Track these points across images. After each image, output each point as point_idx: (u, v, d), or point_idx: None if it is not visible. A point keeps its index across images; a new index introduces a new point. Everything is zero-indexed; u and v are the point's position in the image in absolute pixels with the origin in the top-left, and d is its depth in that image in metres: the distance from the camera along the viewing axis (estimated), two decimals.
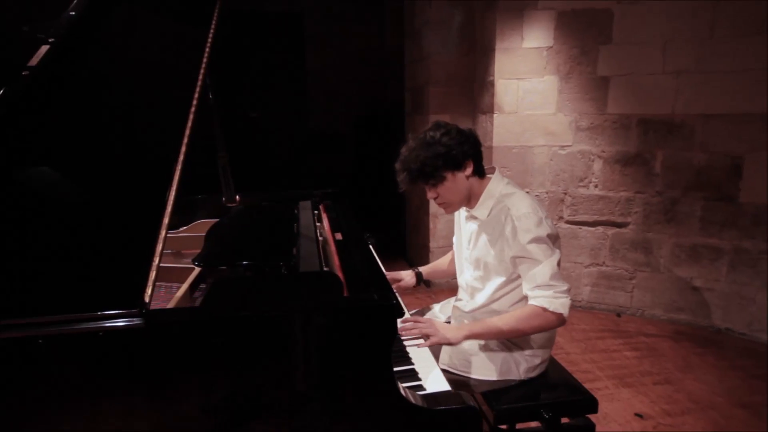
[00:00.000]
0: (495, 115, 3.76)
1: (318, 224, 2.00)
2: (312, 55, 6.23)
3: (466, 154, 1.59)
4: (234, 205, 2.26)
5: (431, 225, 4.32)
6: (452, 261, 2.05)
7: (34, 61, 1.29)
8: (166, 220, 1.04)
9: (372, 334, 1.01)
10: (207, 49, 1.55)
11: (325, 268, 1.45)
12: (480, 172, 1.66)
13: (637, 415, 2.47)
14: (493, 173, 1.70)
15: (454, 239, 2.00)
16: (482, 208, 1.67)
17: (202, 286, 1.48)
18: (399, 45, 5.44)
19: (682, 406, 2.57)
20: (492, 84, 3.72)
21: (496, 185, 1.67)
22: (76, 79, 1.42)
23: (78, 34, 1.46)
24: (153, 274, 0.95)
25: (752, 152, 3.21)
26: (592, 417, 1.71)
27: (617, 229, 3.67)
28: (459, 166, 1.59)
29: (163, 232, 1.02)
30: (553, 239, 1.60)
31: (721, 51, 3.22)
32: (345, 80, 6.34)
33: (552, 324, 1.57)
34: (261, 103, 6.12)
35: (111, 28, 1.69)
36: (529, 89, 3.70)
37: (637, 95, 3.49)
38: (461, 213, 1.85)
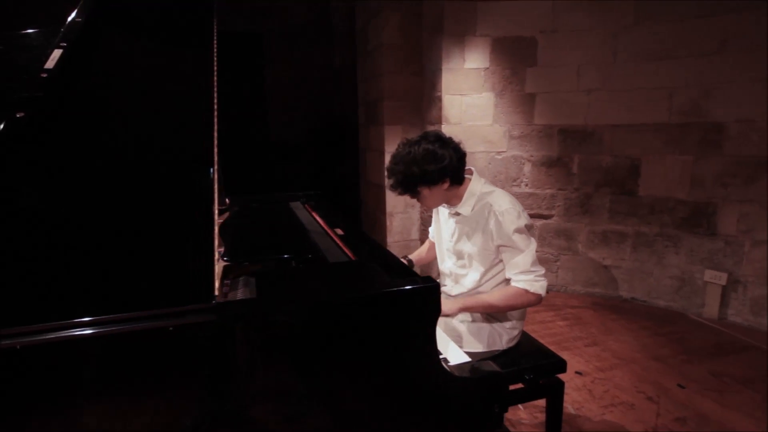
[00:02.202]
0: (443, 126, 3.80)
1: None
2: (271, 73, 6.02)
3: (444, 174, 1.55)
4: (224, 207, 2.12)
5: (387, 222, 4.30)
6: (431, 249, 2.05)
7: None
8: (216, 218, 0.94)
9: (424, 311, 0.97)
10: (215, 68, 1.40)
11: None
12: (459, 181, 1.63)
13: (577, 372, 2.59)
14: (471, 174, 1.71)
15: (431, 231, 1.99)
16: (466, 206, 1.67)
17: (227, 281, 1.37)
18: (349, 64, 5.39)
19: (610, 362, 2.73)
20: (440, 99, 3.76)
21: (476, 185, 1.68)
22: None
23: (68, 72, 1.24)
24: (217, 268, 0.85)
25: (647, 155, 3.47)
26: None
27: (544, 221, 3.84)
28: (432, 183, 1.56)
29: (216, 229, 0.92)
30: (529, 228, 1.64)
31: (622, 73, 3.45)
32: (300, 95, 6.19)
33: (532, 302, 1.61)
34: (224, 116, 5.80)
35: (102, 63, 1.40)
36: (471, 104, 3.78)
37: (558, 109, 3.66)
38: (441, 211, 1.84)
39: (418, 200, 1.64)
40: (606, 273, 3.71)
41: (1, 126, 0.96)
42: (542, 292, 1.58)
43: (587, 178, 3.67)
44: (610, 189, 3.62)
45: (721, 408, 2.26)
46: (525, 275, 1.57)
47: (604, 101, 3.52)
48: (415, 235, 4.39)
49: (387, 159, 4.22)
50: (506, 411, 1.12)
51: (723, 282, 3.22)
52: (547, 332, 3.08)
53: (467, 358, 1.25)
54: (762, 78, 2.95)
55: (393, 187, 1.61)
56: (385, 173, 1.64)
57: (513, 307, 1.63)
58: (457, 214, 1.70)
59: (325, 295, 0.94)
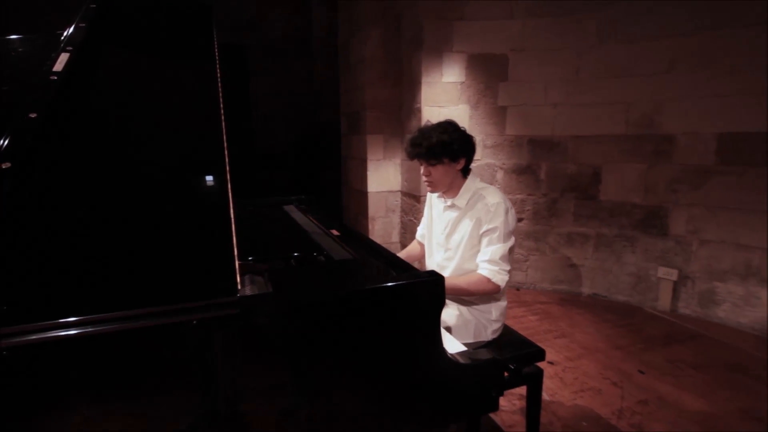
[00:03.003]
0: None
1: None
2: (255, 85, 5.96)
3: (463, 153, 1.66)
4: None
5: (370, 226, 4.32)
6: (418, 249, 2.07)
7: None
8: (232, 215, 0.93)
9: (432, 300, 0.99)
10: (218, 78, 1.38)
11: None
12: (466, 172, 1.73)
13: (549, 362, 2.66)
14: (469, 174, 1.77)
15: (420, 230, 2.04)
16: (462, 199, 1.73)
17: None
18: (330, 77, 5.40)
19: (577, 352, 2.82)
20: (419, 110, 3.81)
21: (472, 182, 1.74)
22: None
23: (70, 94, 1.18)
24: (237, 264, 0.84)
25: (607, 163, 3.62)
26: None
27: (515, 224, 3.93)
28: (455, 159, 1.65)
29: (233, 227, 0.91)
30: (512, 228, 1.69)
31: (584, 89, 3.59)
32: (283, 106, 6.15)
33: (490, 291, 1.67)
34: None
35: (106, 81, 1.32)
36: (448, 115, 3.78)
37: (527, 121, 3.77)
38: (435, 208, 1.88)
39: (431, 174, 1.68)
40: (571, 271, 3.83)
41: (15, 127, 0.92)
42: (502, 284, 1.66)
43: (554, 185, 3.79)
44: (574, 194, 3.75)
45: (677, 390, 2.37)
46: (491, 265, 1.63)
47: (569, 114, 3.66)
48: (395, 238, 4.42)
49: (369, 167, 4.26)
50: (502, 395, 1.15)
51: (674, 278, 3.38)
52: (521, 326, 3.15)
53: (463, 347, 1.27)
54: (707, 95, 3.13)
55: (415, 153, 1.65)
56: (407, 143, 1.69)
57: (474, 292, 1.68)
58: (453, 206, 1.75)
59: (344, 287, 0.95)
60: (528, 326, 3.18)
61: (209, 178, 1.05)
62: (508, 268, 1.66)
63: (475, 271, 1.73)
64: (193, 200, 1.00)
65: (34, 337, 0.67)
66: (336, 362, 0.92)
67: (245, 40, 5.75)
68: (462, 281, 1.65)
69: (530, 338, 1.88)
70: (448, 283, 1.62)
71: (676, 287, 3.39)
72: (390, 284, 0.94)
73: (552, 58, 3.62)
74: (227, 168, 1.04)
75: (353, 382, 0.94)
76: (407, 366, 0.98)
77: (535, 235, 3.89)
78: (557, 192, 3.78)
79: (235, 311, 0.79)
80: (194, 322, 0.77)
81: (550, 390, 2.38)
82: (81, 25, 1.44)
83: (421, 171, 1.72)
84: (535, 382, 1.75)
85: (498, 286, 1.64)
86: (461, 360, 1.06)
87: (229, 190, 0.99)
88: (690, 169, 3.28)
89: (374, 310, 0.94)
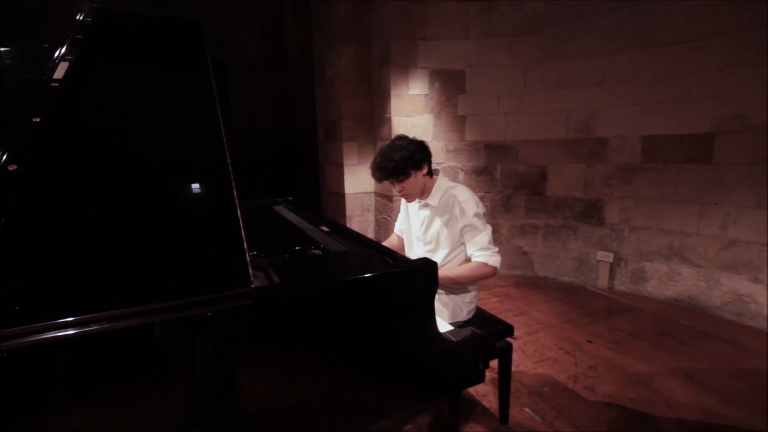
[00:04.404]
0: None
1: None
2: (234, 97, 5.76)
3: (424, 159, 1.65)
4: None
5: (348, 224, 4.26)
6: (397, 241, 2.06)
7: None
8: (238, 212, 0.88)
9: (429, 283, 0.97)
10: (215, 92, 1.30)
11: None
12: (431, 173, 1.72)
13: (512, 338, 2.71)
14: (437, 174, 1.76)
15: (398, 225, 2.02)
16: (434, 198, 1.72)
17: None
18: (305, 90, 5.31)
19: (535, 327, 2.89)
20: (389, 119, 3.81)
21: (441, 182, 1.73)
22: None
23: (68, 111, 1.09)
24: (247, 257, 0.79)
25: (552, 164, 3.74)
26: None
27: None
28: (419, 167, 1.63)
29: (241, 222, 0.86)
30: (483, 215, 1.71)
31: (531, 100, 3.70)
32: (260, 118, 5.98)
33: (489, 274, 1.67)
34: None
35: (107, 89, 1.21)
36: (415, 123, 3.85)
37: (483, 128, 3.84)
38: (411, 205, 1.87)
39: (402, 187, 1.65)
40: (524, 258, 3.93)
41: (20, 128, 0.83)
42: (497, 265, 1.66)
43: (507, 183, 3.88)
44: (525, 191, 3.85)
45: (620, 356, 2.48)
46: (484, 251, 1.64)
47: (518, 122, 3.75)
48: (371, 234, 4.39)
49: (345, 171, 4.20)
50: (488, 367, 1.15)
51: (610, 260, 3.54)
52: (485, 307, 3.14)
53: (450, 327, 1.27)
54: (632, 103, 3.29)
55: (384, 176, 1.62)
56: (372, 168, 1.66)
57: (474, 279, 1.68)
58: (427, 205, 1.74)
59: (350, 274, 0.91)
60: (491, 307, 3.23)
61: (216, 177, 0.99)
62: (497, 249, 1.68)
63: (459, 260, 1.74)
64: (204, 197, 0.94)
65: (52, 335, 0.60)
66: (341, 346, 0.89)
67: (220, 56, 5.55)
68: (463, 270, 1.64)
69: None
70: (450, 274, 1.62)
71: (612, 268, 3.55)
72: (393, 270, 0.92)
73: (503, 73, 3.70)
74: (230, 168, 0.99)
75: (358, 363, 0.91)
76: (407, 345, 0.96)
77: (492, 228, 3.96)
78: (510, 189, 3.88)
79: (250, 302, 0.74)
80: (209, 313, 0.72)
81: (514, 361, 2.42)
82: (78, 36, 1.33)
83: (395, 189, 1.69)
84: (506, 355, 1.78)
85: (495, 268, 1.65)
86: (453, 338, 1.05)
87: (234, 189, 0.93)
88: (621, 167, 3.44)
89: (378, 295, 0.92)
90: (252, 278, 0.76)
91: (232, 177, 0.95)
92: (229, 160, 1.02)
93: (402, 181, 1.63)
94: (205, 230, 0.86)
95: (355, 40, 4.02)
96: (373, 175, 1.63)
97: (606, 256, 3.56)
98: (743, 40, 2.74)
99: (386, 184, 4.00)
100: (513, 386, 2.18)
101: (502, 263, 1.68)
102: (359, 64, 4.05)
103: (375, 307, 0.92)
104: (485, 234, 1.63)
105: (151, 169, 0.96)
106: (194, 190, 0.94)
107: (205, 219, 0.89)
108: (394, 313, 0.95)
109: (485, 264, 1.62)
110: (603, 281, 3.60)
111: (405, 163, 1.58)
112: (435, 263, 0.99)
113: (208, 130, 1.09)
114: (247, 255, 0.79)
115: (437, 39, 3.71)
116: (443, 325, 1.28)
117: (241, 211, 1.78)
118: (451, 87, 3.79)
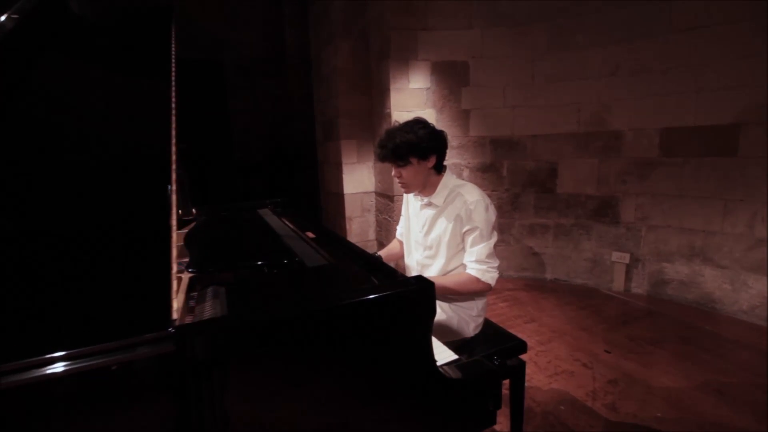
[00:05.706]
0: None
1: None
2: (232, 99, 5.58)
3: (432, 150, 1.43)
4: (191, 217, 1.79)
5: (347, 226, 4.06)
6: (399, 246, 1.84)
7: None
8: (174, 222, 0.66)
9: (419, 313, 0.76)
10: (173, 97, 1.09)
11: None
12: (439, 168, 1.50)
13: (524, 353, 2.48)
14: (445, 171, 1.54)
15: (400, 229, 1.80)
16: (439, 197, 1.50)
17: (193, 294, 1.07)
18: (304, 91, 5.11)
19: (548, 336, 2.66)
20: (389, 115, 3.59)
21: (448, 179, 1.52)
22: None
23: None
24: (175, 285, 0.58)
25: (563, 159, 3.50)
26: None
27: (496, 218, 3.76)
28: (424, 157, 1.42)
29: (174, 236, 0.64)
30: (494, 223, 1.48)
31: (539, 92, 3.46)
32: (259, 118, 5.78)
33: (481, 290, 1.48)
34: (188, 137, 5.28)
35: (43, 81, 1.01)
36: None
37: (489, 123, 3.62)
38: (411, 206, 1.65)
39: (400, 174, 1.44)
40: (534, 259, 3.69)
41: None
42: (492, 282, 1.45)
43: (515, 180, 3.64)
44: (534, 189, 3.62)
45: (641, 368, 2.24)
46: (479, 265, 1.42)
47: (526, 116, 3.52)
48: (372, 236, 4.18)
49: (344, 170, 3.99)
50: (500, 407, 0.93)
51: (626, 261, 3.29)
52: (493, 313, 2.98)
53: (453, 356, 1.05)
54: (648, 94, 3.04)
55: (381, 154, 1.42)
56: (378, 142, 1.46)
57: (464, 293, 1.47)
58: (430, 204, 1.52)
59: (312, 301, 0.70)
60: (500, 313, 3.00)
61: (145, 180, 0.77)
62: (495, 264, 1.46)
63: (460, 270, 1.51)
64: (119, 206, 0.73)
65: None
66: (303, 390, 0.67)
67: (218, 58, 5.36)
68: (451, 282, 1.43)
69: (503, 324, 1.70)
70: (436, 284, 1.40)
71: (629, 269, 3.30)
72: (370, 296, 0.70)
73: (509, 65, 3.47)
74: (173, 172, 0.77)
75: (324, 410, 0.69)
76: (391, 393, 0.74)
77: (500, 228, 3.74)
78: (519, 187, 3.64)
79: (169, 348, 0.53)
80: (113, 367, 0.51)
81: (527, 375, 2.18)
82: (14, 16, 1.12)
83: (392, 173, 1.48)
84: (518, 375, 1.55)
85: (488, 285, 1.44)
86: (452, 374, 0.83)
87: (173, 192, 0.72)
88: (636, 161, 3.19)
89: (348, 330, 0.70)
90: (175, 315, 0.55)
91: (171, 174, 0.74)
92: (174, 164, 0.80)
93: (400, 167, 1.42)
94: (118, 249, 0.65)
95: (352, 34, 3.81)
96: (375, 151, 1.44)
97: (621, 257, 3.31)
98: (765, 26, 2.47)
99: (387, 182, 3.79)
100: (526, 404, 1.94)
101: (510, 265, 1.45)
102: (357, 59, 3.84)
103: (344, 346, 0.70)
104: (486, 245, 1.41)
105: (70, 170, 0.75)
106: (112, 193, 0.73)
107: (129, 245, 0.67)
108: (372, 353, 0.73)
109: (477, 280, 1.41)
110: (618, 284, 3.35)
111: (406, 147, 1.37)
112: (431, 284, 0.77)
113: (154, 137, 0.88)
114: (174, 282, 0.58)
115: (438, 29, 3.48)
116: (443, 351, 1.07)
117: (214, 217, 1.55)
118: (454, 79, 3.57)
